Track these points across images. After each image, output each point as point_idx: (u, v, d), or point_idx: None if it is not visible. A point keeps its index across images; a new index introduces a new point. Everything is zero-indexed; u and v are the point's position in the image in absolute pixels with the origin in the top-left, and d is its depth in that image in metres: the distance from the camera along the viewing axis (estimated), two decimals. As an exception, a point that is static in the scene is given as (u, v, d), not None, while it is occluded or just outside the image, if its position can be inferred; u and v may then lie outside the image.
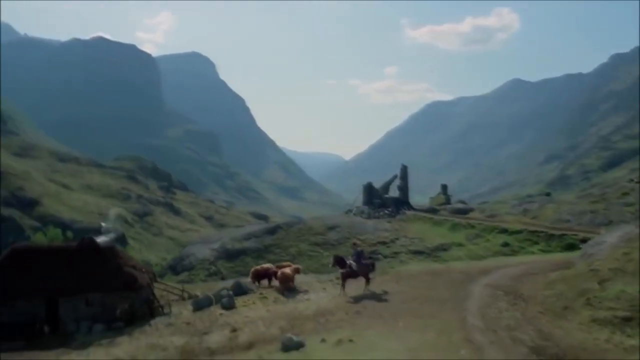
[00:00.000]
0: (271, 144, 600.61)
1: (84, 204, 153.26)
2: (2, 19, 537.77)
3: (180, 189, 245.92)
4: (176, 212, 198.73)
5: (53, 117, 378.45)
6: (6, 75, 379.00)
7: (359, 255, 30.80)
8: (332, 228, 78.97)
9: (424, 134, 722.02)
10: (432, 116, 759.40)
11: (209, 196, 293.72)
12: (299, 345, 20.49)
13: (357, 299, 28.38)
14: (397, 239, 69.65)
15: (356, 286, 30.67)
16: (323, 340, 20.90)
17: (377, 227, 75.88)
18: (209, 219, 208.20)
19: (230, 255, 76.48)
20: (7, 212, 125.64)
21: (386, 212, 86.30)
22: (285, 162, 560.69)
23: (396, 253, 62.77)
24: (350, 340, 20.13)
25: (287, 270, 34.45)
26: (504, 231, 62.75)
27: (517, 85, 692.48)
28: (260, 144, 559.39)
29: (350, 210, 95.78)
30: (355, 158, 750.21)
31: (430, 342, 19.28)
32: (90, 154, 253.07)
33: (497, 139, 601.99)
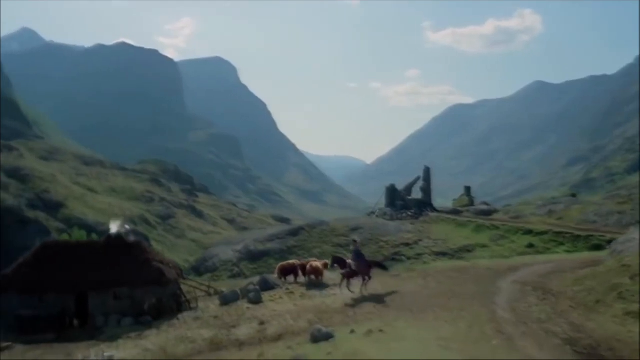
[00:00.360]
0: (292, 147, 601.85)
1: (109, 206, 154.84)
2: (28, 26, 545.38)
3: (202, 192, 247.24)
4: (199, 214, 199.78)
5: (77, 122, 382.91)
6: (32, 81, 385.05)
7: (358, 254, 29.57)
8: (354, 229, 78.72)
9: (446, 137, 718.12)
10: (454, 119, 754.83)
11: (231, 199, 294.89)
12: (328, 336, 20.42)
13: (382, 295, 28.27)
14: (420, 240, 69.25)
15: (377, 282, 30.53)
16: (352, 332, 20.84)
17: (400, 228, 75.54)
18: (231, 221, 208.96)
19: (253, 256, 76.65)
20: (33, 214, 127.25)
21: (409, 213, 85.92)
22: (307, 166, 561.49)
23: (419, 254, 62.41)
24: (381, 331, 20.04)
25: (317, 263, 34.70)
26: (529, 232, 62.14)
27: (540, 88, 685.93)
28: (281, 148, 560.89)
29: (372, 212, 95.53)
30: (377, 162, 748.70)
31: (461, 333, 19.15)
32: (113, 158, 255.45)
33: (520, 142, 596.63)
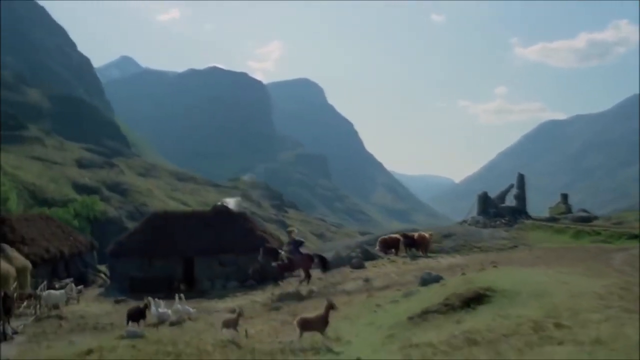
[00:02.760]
0: (379, 167, 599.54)
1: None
2: (127, 54, 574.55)
3: (291, 207, 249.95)
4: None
5: (171, 142, 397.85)
6: (130, 104, 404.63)
7: (295, 245, 26.58)
8: (447, 236, 76.94)
9: (538, 154, 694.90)
10: (546, 136, 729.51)
11: (319, 217, 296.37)
12: (437, 279, 20.03)
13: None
14: (515, 246, 67.01)
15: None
16: (463, 273, 20.36)
17: (494, 235, 73.27)
18: (320, 236, 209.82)
19: (343, 262, 76.29)
20: (132, 224, 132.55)
21: (502, 221, 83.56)
22: (394, 185, 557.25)
23: (516, 260, 60.23)
24: (495, 267, 19.53)
25: (425, 234, 34.59)
26: (634, 237, 58.70)
27: (638, 101, 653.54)
28: (368, 167, 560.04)
29: (464, 221, 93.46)
30: (466, 180, 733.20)
31: (582, 273, 18.35)
32: (205, 176, 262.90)
33: (618, 159, 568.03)
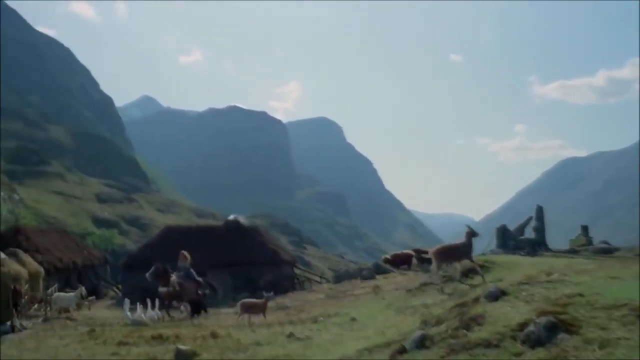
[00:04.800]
0: (399, 205, 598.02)
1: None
2: (149, 93, 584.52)
3: (310, 244, 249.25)
4: (306, 265, 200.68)
5: (191, 180, 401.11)
6: (151, 142, 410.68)
7: (187, 272, 22.87)
8: (470, 269, 76.28)
9: (558, 192, 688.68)
10: (566, 173, 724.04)
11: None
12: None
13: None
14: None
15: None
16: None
17: (514, 264, 72.90)
18: (336, 272, 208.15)
19: (354, 275, 76.03)
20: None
21: (521, 253, 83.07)
22: (414, 224, 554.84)
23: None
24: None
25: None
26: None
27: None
28: (388, 206, 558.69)
29: (483, 254, 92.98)
30: (486, 219, 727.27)
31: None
32: (225, 213, 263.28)
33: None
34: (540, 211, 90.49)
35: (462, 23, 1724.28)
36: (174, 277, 22.18)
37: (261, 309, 16.98)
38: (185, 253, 24.21)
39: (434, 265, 14.75)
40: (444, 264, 14.72)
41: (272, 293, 17.85)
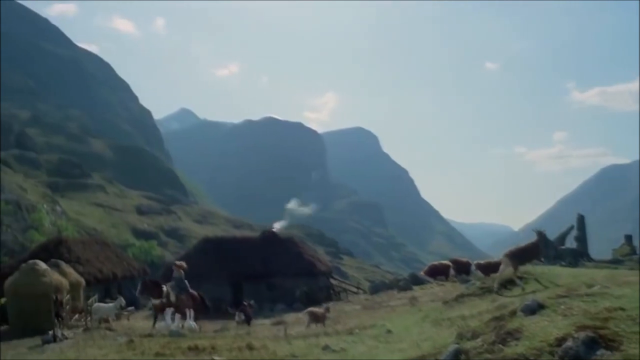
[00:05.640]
0: (436, 215, 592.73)
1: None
2: (186, 106, 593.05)
3: (346, 255, 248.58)
4: (343, 275, 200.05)
5: (228, 190, 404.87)
6: (188, 154, 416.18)
7: (180, 282, 22.18)
8: (508, 280, 75.04)
9: (600, 201, 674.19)
10: (608, 181, 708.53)
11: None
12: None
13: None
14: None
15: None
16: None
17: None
18: (374, 282, 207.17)
19: (390, 286, 75.51)
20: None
21: (562, 264, 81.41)
22: (451, 233, 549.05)
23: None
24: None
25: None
26: None
27: None
28: (425, 215, 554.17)
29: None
30: (525, 228, 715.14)
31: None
32: (262, 223, 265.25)
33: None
34: (581, 220, 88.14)
35: (497, 30, 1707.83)
36: (166, 288, 21.40)
37: (323, 318, 17.23)
38: (180, 263, 23.81)
39: (508, 268, 14.63)
40: (518, 266, 14.65)
41: (331, 303, 18.32)
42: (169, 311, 20.23)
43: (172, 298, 21.01)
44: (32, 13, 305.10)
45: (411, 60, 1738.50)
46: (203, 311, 23.16)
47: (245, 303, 23.72)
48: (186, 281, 22.25)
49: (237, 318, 22.60)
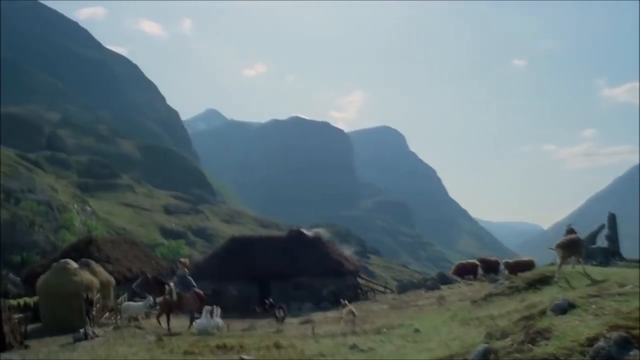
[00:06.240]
0: (464, 214, 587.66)
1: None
2: (214, 107, 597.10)
3: (373, 254, 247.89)
4: (370, 274, 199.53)
5: (254, 190, 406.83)
6: (215, 154, 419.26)
7: (183, 280, 21.44)
8: (538, 280, 74.19)
9: (631, 199, 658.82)
10: (638, 180, 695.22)
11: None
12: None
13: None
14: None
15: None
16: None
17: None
18: (401, 282, 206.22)
19: (418, 286, 75.18)
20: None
21: (593, 263, 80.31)
22: (479, 232, 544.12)
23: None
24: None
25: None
26: None
27: None
28: (453, 214, 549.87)
29: (553, 264, 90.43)
30: (555, 226, 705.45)
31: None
32: (288, 223, 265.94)
33: None
34: (612, 219, 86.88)
35: (524, 27, 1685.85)
36: (170, 286, 20.98)
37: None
38: (184, 260, 23.27)
39: (559, 258, 15.37)
40: (567, 257, 15.67)
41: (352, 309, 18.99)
42: (206, 309, 19.91)
43: (174, 296, 20.64)
44: (62, 17, 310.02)
45: (437, 58, 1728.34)
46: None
47: (267, 302, 24.51)
48: (190, 278, 21.69)
49: (277, 314, 22.88)
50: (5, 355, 15.36)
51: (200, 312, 20.45)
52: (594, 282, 12.62)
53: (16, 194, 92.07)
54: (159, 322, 21.25)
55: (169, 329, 20.35)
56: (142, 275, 22.46)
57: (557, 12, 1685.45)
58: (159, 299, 21.57)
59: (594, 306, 7.91)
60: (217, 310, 20.57)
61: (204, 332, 18.86)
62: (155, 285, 21.53)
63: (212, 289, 24.94)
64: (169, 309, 20.82)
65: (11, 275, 55.40)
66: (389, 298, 29.54)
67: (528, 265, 29.87)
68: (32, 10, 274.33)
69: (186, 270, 22.00)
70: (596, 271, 15.42)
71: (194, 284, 21.70)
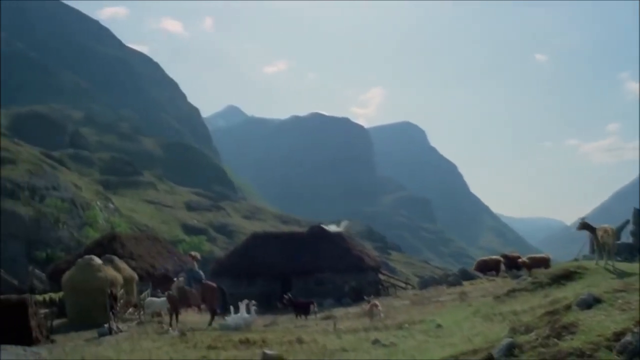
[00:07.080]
0: (486, 209, 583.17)
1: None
2: (234, 104, 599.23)
3: (394, 250, 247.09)
4: (391, 271, 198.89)
5: (275, 186, 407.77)
6: (236, 150, 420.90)
7: (194, 274, 21.06)
8: (561, 276, 73.44)
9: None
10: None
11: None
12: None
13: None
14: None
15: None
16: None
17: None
18: (423, 278, 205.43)
19: (440, 282, 74.97)
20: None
21: (618, 259, 79.44)
22: (501, 228, 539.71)
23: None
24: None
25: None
26: None
27: None
28: (474, 210, 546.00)
29: (576, 259, 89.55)
30: (578, 222, 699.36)
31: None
32: (309, 219, 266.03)
33: None
34: (637, 214, 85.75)
35: (546, 21, 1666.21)
36: (177, 281, 21.15)
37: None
38: (194, 254, 22.97)
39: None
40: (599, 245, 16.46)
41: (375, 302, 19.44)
42: (243, 303, 19.70)
43: (176, 292, 20.75)
44: (84, 16, 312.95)
45: (458, 54, 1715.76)
46: (222, 304, 21.84)
47: (285, 297, 25.42)
48: (201, 272, 21.44)
49: (312, 308, 24.18)
50: (32, 349, 15.62)
51: (214, 305, 20.64)
52: (620, 277, 12.49)
53: (41, 192, 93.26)
54: (176, 320, 21.08)
55: (170, 325, 20.44)
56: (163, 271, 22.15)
57: (579, 6, 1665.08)
58: (167, 293, 21.72)
59: (620, 301, 7.83)
60: (252, 307, 20.09)
61: (227, 327, 18.33)
62: (164, 282, 22.33)
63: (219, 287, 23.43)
64: (173, 305, 20.88)
65: (37, 271, 56.15)
66: (410, 294, 29.47)
67: (543, 262, 29.71)
68: (54, 10, 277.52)
69: (196, 263, 21.84)
70: (621, 267, 15.26)
71: (203, 276, 21.47)
